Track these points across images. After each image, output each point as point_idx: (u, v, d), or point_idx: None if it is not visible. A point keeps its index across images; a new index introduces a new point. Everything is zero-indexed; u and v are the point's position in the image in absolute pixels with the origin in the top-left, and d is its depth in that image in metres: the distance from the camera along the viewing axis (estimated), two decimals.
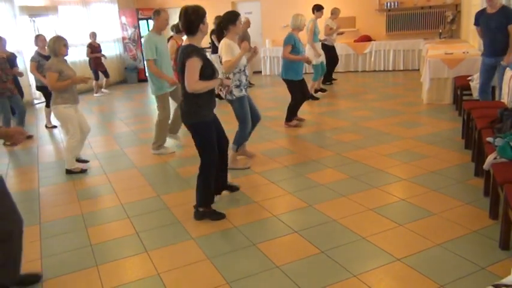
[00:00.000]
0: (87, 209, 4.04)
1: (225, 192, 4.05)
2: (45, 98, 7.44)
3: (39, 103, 10.38)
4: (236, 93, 4.51)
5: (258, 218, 3.57)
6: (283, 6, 12.25)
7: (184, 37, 5.91)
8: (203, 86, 3.34)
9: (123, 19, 13.03)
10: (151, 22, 13.14)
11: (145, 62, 5.42)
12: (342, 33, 10.18)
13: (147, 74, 5.08)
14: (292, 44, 6.08)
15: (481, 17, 5.45)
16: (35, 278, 2.90)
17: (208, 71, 3.34)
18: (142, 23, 12.98)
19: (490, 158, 3.27)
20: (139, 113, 8.58)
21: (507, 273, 2.34)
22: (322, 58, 8.35)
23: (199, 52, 3.31)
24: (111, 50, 12.79)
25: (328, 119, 6.81)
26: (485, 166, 3.31)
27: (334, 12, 9.32)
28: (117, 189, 4.48)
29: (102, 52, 11.07)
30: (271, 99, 8.87)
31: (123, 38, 13.14)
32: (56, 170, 5.27)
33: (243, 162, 4.90)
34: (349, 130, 6.05)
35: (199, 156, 3.57)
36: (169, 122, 5.69)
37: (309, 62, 6.44)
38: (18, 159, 5.94)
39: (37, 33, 8.16)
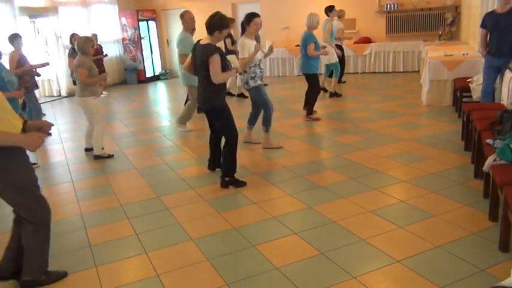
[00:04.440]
0: (86, 210, 4.04)
1: (218, 170, 4.57)
2: None
3: (42, 103, 10.37)
4: (251, 83, 5.16)
5: (257, 220, 3.57)
6: (283, 8, 12.25)
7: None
8: (225, 77, 4.04)
9: (123, 20, 13.03)
10: (151, 23, 13.29)
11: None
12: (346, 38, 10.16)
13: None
14: (315, 42, 6.50)
15: (489, 18, 5.44)
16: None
17: (223, 65, 3.98)
18: (143, 24, 12.99)
19: (489, 160, 3.26)
20: (139, 114, 8.57)
21: (507, 275, 2.34)
22: (336, 58, 8.39)
23: (219, 50, 3.97)
24: (111, 50, 12.79)
25: (328, 120, 6.81)
26: (485, 168, 3.31)
27: (339, 13, 9.44)
28: (117, 190, 4.48)
29: (104, 52, 10.95)
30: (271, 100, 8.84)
31: (123, 39, 13.14)
32: (55, 171, 5.27)
33: (276, 143, 5.51)
34: (349, 131, 6.05)
35: (223, 132, 4.30)
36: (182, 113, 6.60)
37: (326, 53, 6.91)
38: None
39: (72, 32, 8.92)
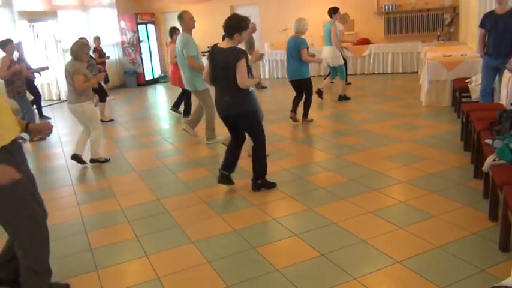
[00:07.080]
0: (87, 213, 4.04)
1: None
2: (98, 94, 7.41)
3: (43, 107, 10.37)
4: None
5: (257, 221, 3.57)
6: (281, 10, 12.28)
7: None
8: (252, 82, 3.99)
9: (122, 23, 13.06)
10: (150, 26, 13.31)
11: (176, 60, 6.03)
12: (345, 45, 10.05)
13: (185, 72, 5.75)
14: (307, 47, 6.46)
15: (489, 18, 5.46)
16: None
17: (248, 70, 3.88)
18: (142, 27, 13.02)
19: (489, 160, 3.27)
20: (139, 117, 8.58)
21: (507, 275, 2.34)
22: (341, 60, 8.36)
23: (246, 54, 3.85)
24: (110, 54, 12.77)
25: (328, 122, 6.82)
26: (484, 168, 3.32)
27: (343, 17, 9.41)
28: (117, 194, 4.48)
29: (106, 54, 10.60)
30: (271, 102, 8.88)
31: (122, 43, 13.17)
32: (56, 174, 5.27)
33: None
34: (348, 133, 6.06)
35: (252, 136, 4.23)
36: (192, 117, 6.30)
37: (320, 61, 7.33)
38: None
39: (81, 37, 8.46)
